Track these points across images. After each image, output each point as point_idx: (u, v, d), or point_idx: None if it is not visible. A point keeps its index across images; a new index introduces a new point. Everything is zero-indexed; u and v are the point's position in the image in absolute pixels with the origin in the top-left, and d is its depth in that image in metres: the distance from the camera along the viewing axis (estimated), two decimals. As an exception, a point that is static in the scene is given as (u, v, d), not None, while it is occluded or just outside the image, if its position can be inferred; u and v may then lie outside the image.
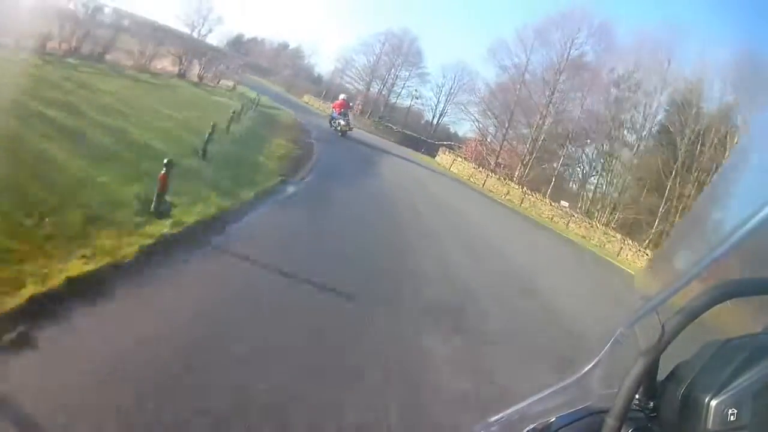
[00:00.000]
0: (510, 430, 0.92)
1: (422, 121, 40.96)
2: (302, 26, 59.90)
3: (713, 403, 0.68)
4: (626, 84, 27.14)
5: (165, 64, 14.18)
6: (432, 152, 29.45)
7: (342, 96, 19.50)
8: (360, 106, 35.16)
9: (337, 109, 18.71)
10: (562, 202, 24.68)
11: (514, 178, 26.35)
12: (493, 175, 25.61)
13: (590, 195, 27.55)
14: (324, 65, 54.79)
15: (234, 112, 9.53)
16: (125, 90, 8.83)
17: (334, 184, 8.86)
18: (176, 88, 12.96)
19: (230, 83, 19.71)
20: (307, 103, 34.68)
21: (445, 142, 33.06)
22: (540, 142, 29.17)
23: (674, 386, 0.73)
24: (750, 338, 0.74)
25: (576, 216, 22.44)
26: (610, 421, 0.71)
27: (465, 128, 44.53)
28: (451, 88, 38.60)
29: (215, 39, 40.97)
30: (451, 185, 19.79)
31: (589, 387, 0.91)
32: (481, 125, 33.25)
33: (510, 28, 35.72)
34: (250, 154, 8.04)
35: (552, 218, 22.50)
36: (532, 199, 23.56)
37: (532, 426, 0.87)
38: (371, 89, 40.48)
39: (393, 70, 40.16)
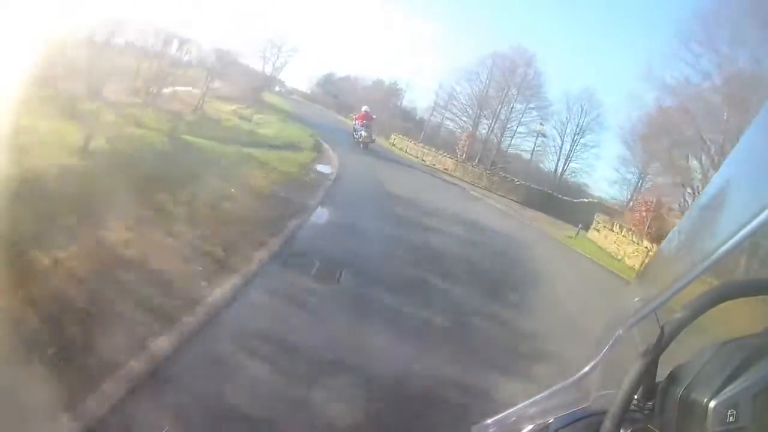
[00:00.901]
0: (508, 431, 0.94)
1: (541, 168, 31.72)
2: (397, 60, 58.61)
3: (712, 404, 0.71)
4: None
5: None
6: (586, 222, 16.32)
7: (365, 108, 20.08)
8: (465, 150, 28.04)
9: (359, 121, 19.65)
10: None
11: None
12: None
13: None
14: (422, 101, 45.32)
15: None
16: None
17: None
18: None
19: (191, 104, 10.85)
20: (393, 145, 28.79)
21: (585, 200, 23.42)
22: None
23: (673, 387, 0.77)
24: (749, 339, 0.77)
25: None
26: (609, 423, 0.76)
27: (600, 178, 31.91)
28: (578, 126, 29.62)
29: (306, 80, 37.02)
30: None
31: (588, 388, 0.93)
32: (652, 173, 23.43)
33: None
34: None
35: None
36: None
37: (530, 427, 0.91)
38: (479, 128, 29.55)
39: (505, 101, 30.96)
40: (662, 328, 0.74)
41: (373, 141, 19.32)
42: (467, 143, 28.17)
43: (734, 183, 0.81)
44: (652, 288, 0.81)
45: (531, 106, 30.62)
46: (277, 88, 50.62)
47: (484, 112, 31.33)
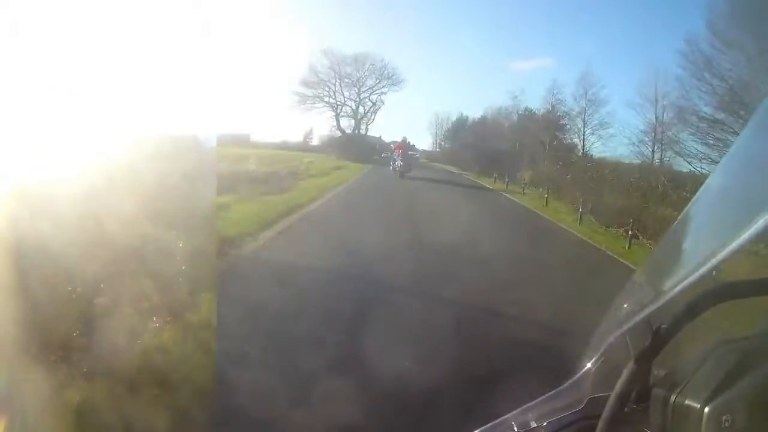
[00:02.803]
0: None
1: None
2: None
3: (707, 409, 0.68)
4: None
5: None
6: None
7: (403, 137, 22.28)
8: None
9: (397, 152, 21.06)
10: None
11: None
12: None
13: None
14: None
15: None
16: None
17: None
18: None
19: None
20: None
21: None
22: None
23: (668, 391, 0.74)
24: (744, 342, 0.75)
25: None
26: (602, 427, 0.75)
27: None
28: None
29: (430, 134, 33.27)
30: None
31: (582, 392, 0.90)
32: None
33: None
34: None
35: None
36: None
37: (523, 431, 0.90)
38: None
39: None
40: (656, 332, 0.72)
41: (409, 170, 20.25)
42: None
43: (731, 185, 0.77)
44: (647, 292, 0.78)
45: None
46: (417, 154, 38.25)
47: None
